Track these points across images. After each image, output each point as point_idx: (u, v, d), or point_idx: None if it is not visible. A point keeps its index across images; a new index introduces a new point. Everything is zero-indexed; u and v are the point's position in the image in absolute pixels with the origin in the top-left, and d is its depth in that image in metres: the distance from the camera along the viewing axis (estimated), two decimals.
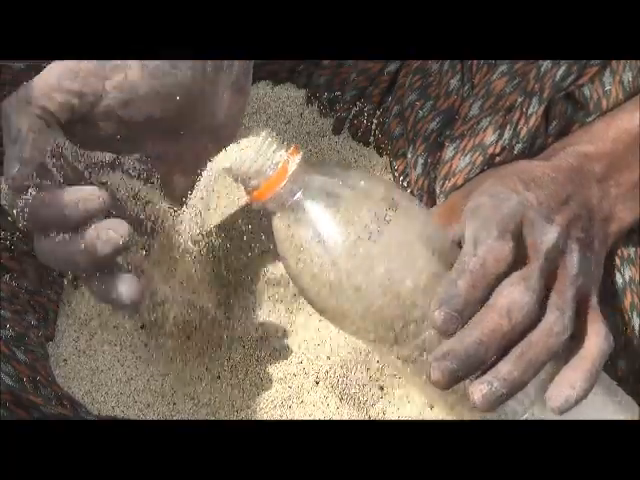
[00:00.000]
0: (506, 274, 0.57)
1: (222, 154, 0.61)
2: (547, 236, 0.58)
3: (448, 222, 0.60)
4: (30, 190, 0.56)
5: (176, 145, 0.62)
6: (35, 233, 0.58)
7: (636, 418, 0.60)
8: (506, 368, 0.56)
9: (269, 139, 0.60)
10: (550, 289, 0.58)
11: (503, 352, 0.57)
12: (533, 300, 0.56)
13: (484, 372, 0.57)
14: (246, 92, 0.64)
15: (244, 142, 0.60)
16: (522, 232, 0.58)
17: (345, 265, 0.58)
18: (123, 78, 0.59)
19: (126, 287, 0.58)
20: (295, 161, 0.60)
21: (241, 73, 0.63)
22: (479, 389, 0.56)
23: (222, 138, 0.63)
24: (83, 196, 0.57)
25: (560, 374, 0.58)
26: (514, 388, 0.56)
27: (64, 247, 0.57)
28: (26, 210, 0.57)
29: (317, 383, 0.69)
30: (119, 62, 0.59)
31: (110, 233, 0.56)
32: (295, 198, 0.60)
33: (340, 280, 0.59)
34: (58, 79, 0.58)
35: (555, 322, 0.57)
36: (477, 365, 0.56)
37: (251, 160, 0.59)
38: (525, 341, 0.57)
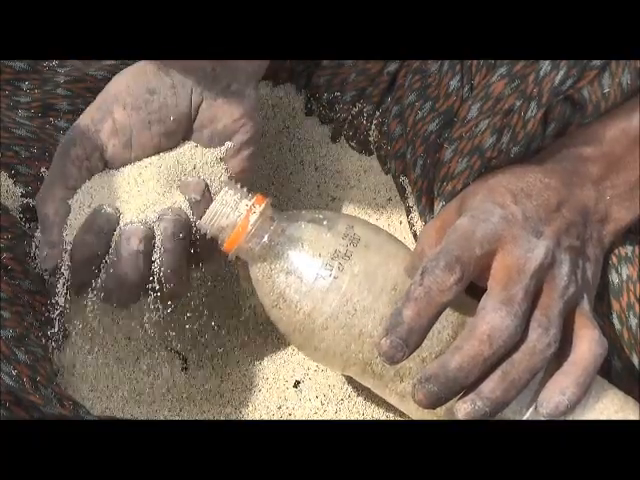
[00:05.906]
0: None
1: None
2: (534, 252, 0.58)
3: (440, 239, 0.60)
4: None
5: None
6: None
7: (637, 418, 0.60)
8: (489, 388, 0.57)
9: (230, 191, 0.61)
10: (536, 303, 0.58)
11: (487, 372, 0.58)
12: (515, 324, 0.57)
13: (469, 391, 0.58)
14: (246, 95, 0.65)
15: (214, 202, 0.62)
16: (503, 251, 0.58)
17: (307, 306, 0.60)
18: (112, 123, 0.62)
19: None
20: (259, 209, 0.61)
21: (232, 79, 0.64)
22: (463, 407, 0.57)
23: (241, 144, 0.65)
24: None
25: (551, 380, 0.58)
26: (497, 407, 0.57)
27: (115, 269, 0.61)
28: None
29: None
30: (101, 111, 0.62)
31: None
32: (261, 245, 0.61)
33: (306, 320, 0.60)
34: (61, 153, 0.62)
35: (538, 340, 0.57)
36: (459, 389, 0.57)
37: (214, 215, 0.61)
38: (508, 361, 0.57)
